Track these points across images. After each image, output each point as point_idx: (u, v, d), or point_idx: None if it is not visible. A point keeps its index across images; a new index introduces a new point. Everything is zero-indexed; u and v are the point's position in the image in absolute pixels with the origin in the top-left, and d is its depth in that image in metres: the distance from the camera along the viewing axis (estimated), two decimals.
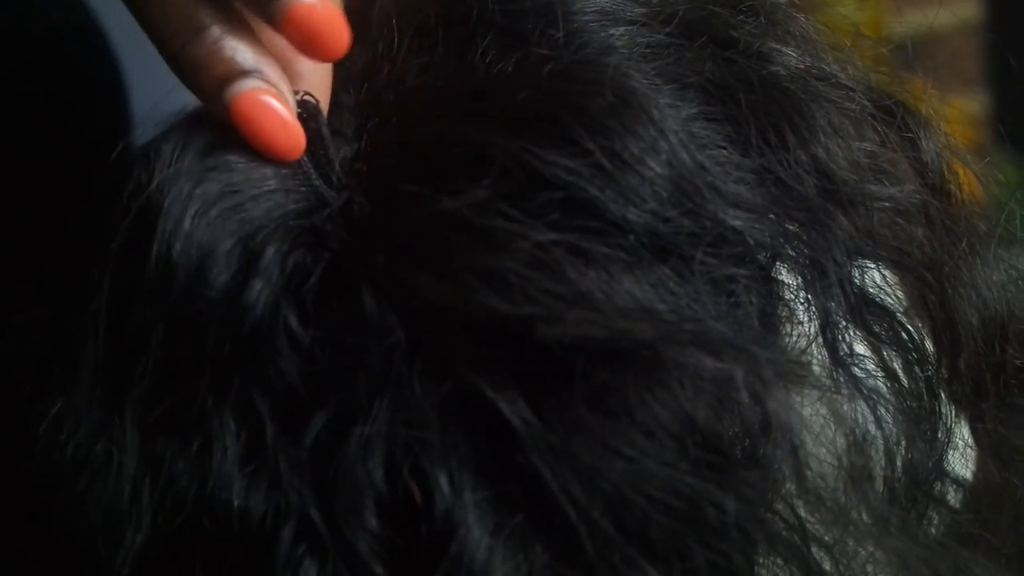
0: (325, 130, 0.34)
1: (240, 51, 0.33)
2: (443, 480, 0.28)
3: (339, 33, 0.32)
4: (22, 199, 0.43)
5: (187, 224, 0.31)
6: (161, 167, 0.33)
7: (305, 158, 0.33)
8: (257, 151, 0.33)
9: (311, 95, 0.34)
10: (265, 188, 0.32)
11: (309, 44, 0.32)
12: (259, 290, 0.31)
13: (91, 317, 0.32)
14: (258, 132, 0.32)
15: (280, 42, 0.33)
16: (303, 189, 0.33)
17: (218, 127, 0.33)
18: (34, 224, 0.36)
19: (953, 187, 0.38)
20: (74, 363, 0.32)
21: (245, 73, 0.32)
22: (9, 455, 0.33)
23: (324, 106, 0.34)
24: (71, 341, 0.32)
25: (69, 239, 0.35)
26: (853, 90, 0.36)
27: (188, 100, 0.36)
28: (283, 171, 0.33)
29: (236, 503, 0.29)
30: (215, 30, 0.33)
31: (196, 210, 0.32)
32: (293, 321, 0.30)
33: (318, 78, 0.34)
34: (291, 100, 0.33)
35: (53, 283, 0.35)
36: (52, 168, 0.42)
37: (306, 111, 0.34)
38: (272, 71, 0.33)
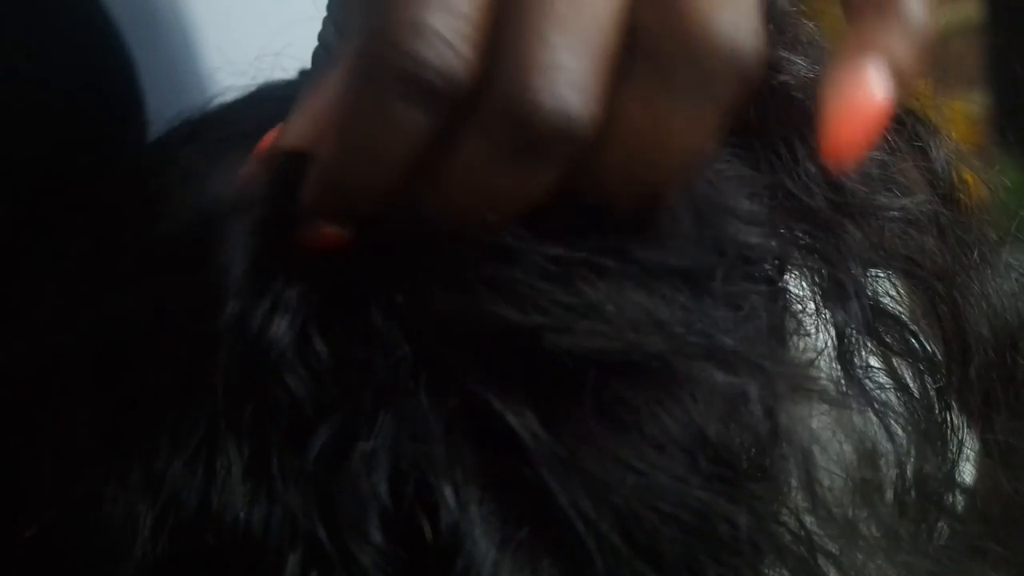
0: None
1: None
2: (449, 493, 0.28)
3: None
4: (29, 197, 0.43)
5: None
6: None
7: None
8: None
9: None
10: None
11: None
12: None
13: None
14: None
15: None
16: None
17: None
18: (35, 223, 0.36)
19: (963, 196, 0.37)
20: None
21: None
22: (4, 467, 0.32)
23: None
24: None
25: (72, 249, 0.34)
26: None
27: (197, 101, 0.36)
28: None
29: (240, 518, 0.29)
30: None
31: None
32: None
33: None
34: None
35: (52, 289, 0.34)
36: (60, 168, 0.41)
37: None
38: None
